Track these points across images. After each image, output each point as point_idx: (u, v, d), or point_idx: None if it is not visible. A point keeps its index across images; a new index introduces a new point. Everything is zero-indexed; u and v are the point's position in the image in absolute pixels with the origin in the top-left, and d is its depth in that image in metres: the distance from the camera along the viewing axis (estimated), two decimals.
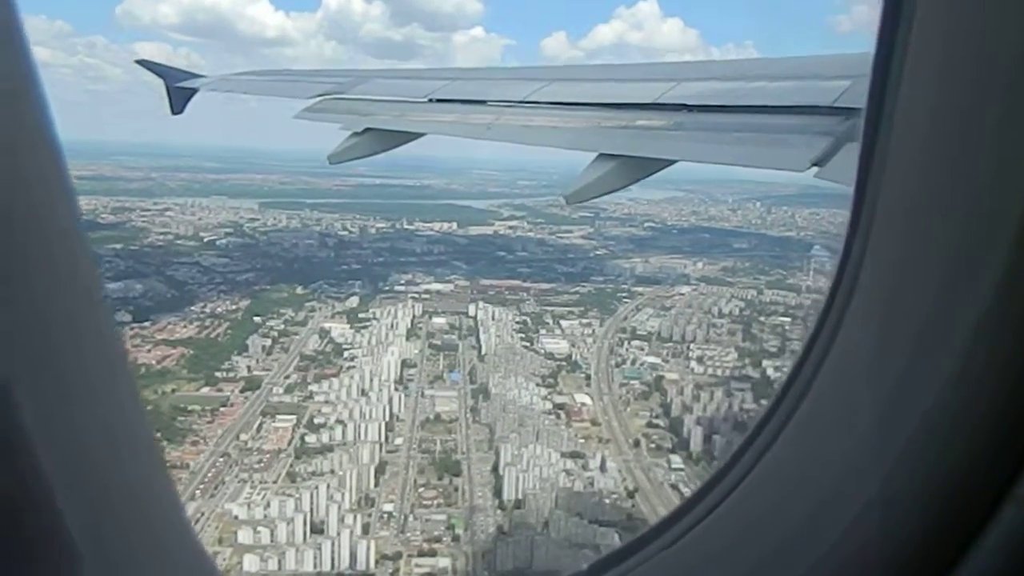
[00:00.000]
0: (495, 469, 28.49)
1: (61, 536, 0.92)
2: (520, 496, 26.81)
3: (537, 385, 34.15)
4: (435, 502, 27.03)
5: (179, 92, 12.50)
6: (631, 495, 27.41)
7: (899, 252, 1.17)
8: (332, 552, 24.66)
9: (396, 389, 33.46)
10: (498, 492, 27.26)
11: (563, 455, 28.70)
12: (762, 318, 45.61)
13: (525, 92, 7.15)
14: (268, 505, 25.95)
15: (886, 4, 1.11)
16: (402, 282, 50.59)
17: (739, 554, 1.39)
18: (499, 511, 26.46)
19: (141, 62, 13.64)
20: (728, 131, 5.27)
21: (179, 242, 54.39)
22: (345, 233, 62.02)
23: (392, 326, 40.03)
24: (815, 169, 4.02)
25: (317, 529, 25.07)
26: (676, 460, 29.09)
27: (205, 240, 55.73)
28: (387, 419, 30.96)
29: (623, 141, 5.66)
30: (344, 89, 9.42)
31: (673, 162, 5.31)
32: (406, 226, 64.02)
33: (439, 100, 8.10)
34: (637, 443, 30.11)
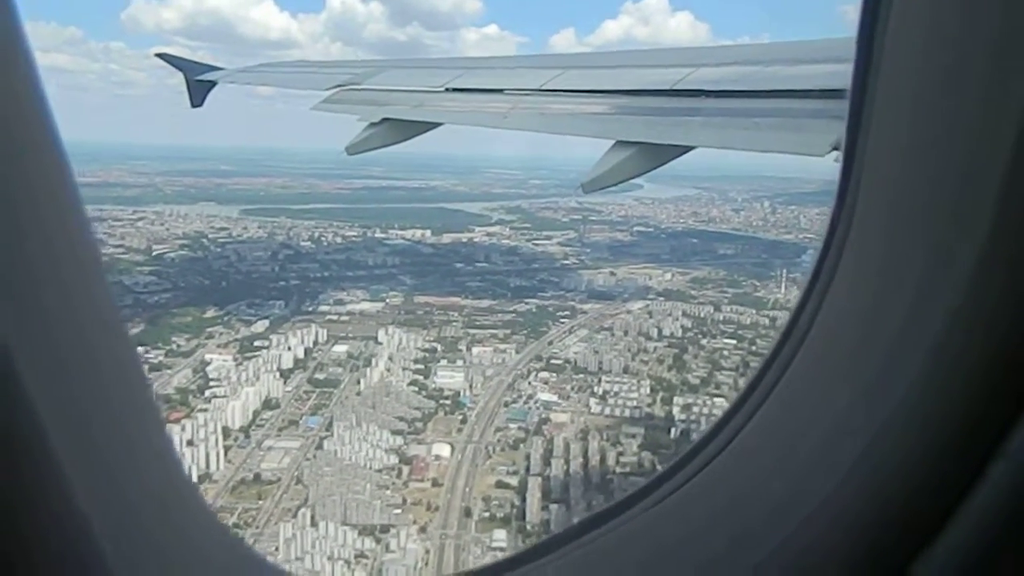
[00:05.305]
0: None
1: (87, 541, 0.88)
2: None
3: (393, 432, 30.19)
4: None
5: (198, 85, 12.70)
6: None
7: (880, 236, 1.23)
8: None
9: (234, 439, 29.99)
10: None
11: (362, 531, 24.43)
12: (704, 340, 41.07)
13: (541, 80, 7.09)
14: None
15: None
16: (330, 301, 47.66)
17: (723, 519, 1.39)
18: None
19: (161, 55, 13.95)
20: (746, 116, 5.18)
21: (124, 256, 52.18)
22: (307, 244, 59.55)
23: (276, 358, 36.63)
24: (835, 154, 3.78)
25: None
26: (500, 537, 24.59)
27: (154, 254, 53.82)
28: (194, 480, 27.21)
29: (641, 128, 5.61)
30: (360, 80, 9.43)
31: (691, 148, 5.27)
32: (377, 234, 61.40)
33: (456, 89, 8.05)
34: (469, 512, 25.80)
